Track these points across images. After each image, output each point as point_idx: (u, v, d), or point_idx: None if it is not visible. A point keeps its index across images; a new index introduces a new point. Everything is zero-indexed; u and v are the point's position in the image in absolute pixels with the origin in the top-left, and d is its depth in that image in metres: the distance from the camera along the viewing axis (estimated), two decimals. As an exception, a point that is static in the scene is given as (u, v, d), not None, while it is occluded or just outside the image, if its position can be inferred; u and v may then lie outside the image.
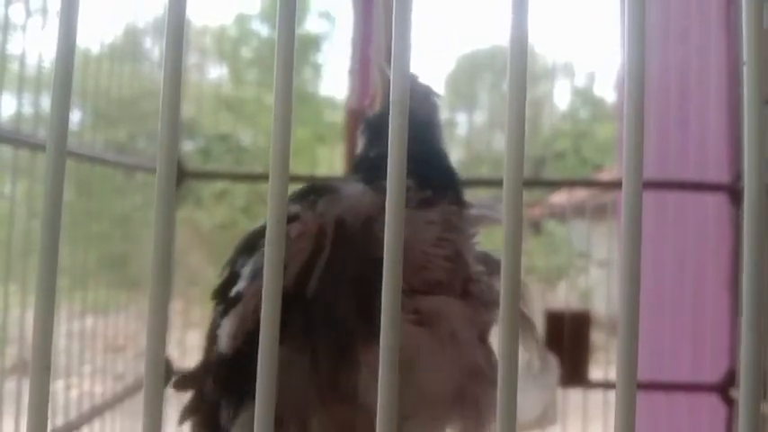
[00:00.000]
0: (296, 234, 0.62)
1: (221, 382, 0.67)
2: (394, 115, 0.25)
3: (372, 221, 0.65)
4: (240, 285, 0.64)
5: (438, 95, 0.78)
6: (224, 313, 0.65)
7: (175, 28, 0.27)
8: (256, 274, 0.62)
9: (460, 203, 0.71)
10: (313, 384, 0.63)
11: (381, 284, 0.59)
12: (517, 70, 0.27)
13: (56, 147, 0.28)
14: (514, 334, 0.29)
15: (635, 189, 0.27)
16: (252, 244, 0.67)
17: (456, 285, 0.67)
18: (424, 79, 0.78)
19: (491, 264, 0.71)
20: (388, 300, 0.27)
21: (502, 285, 0.30)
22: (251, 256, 0.65)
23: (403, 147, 0.25)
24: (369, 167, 0.71)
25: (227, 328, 0.64)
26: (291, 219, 0.61)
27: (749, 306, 0.28)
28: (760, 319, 0.27)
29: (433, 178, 0.70)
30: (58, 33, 0.29)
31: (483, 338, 0.68)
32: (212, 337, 0.67)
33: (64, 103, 0.28)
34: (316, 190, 0.67)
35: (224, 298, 0.67)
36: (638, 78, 0.28)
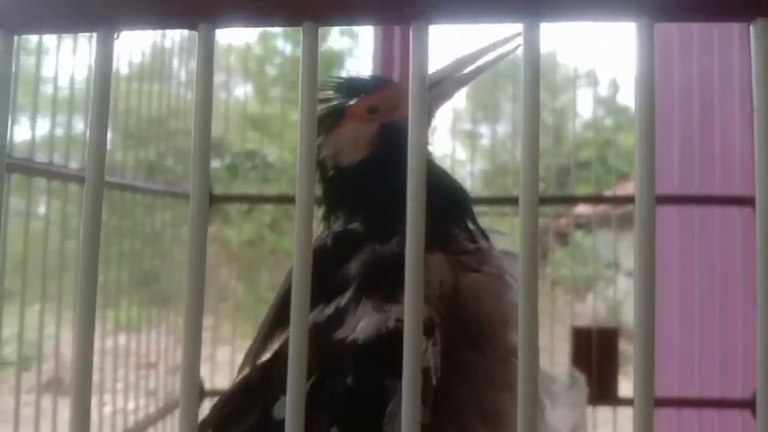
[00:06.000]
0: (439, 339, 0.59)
1: None
2: (412, 173, 0.25)
3: (454, 289, 0.62)
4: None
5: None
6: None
7: (205, 65, 0.28)
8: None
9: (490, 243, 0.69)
10: None
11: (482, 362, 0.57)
12: (530, 91, 0.28)
13: (94, 191, 0.29)
14: (535, 356, 0.30)
15: (648, 202, 0.27)
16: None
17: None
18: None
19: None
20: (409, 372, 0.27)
21: (520, 293, 0.30)
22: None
23: (422, 200, 0.25)
24: (381, 223, 0.66)
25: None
26: (430, 329, 0.58)
27: (764, 323, 0.28)
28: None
29: (471, 221, 0.69)
30: (94, 79, 0.30)
31: None
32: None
33: (100, 150, 0.29)
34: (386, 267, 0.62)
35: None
36: (647, 89, 0.28)
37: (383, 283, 0.61)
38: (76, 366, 0.34)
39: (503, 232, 0.73)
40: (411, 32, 0.26)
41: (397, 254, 0.61)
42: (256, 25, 0.26)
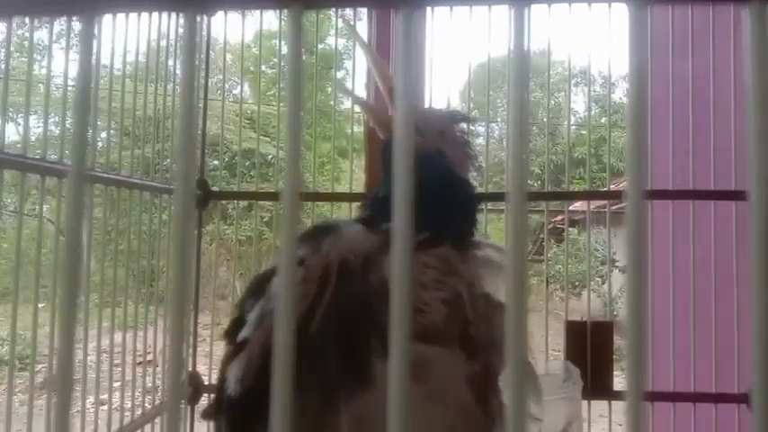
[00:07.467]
0: (300, 279, 0.63)
1: (234, 425, 0.67)
2: (398, 158, 0.25)
3: (370, 263, 0.65)
4: (246, 331, 0.65)
5: (458, 128, 0.79)
6: (232, 356, 0.66)
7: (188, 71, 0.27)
8: (262, 319, 0.63)
9: (465, 245, 0.71)
10: (298, 427, 0.62)
11: (371, 328, 0.60)
12: (519, 77, 0.27)
13: (77, 175, 0.29)
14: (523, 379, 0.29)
15: (638, 196, 0.27)
16: (259, 287, 0.68)
17: (454, 329, 0.66)
18: (438, 105, 0.80)
19: (492, 304, 0.70)
20: (397, 344, 0.27)
21: (507, 292, 0.30)
22: (257, 300, 0.66)
23: (408, 190, 0.25)
24: (377, 207, 0.72)
25: (234, 372, 0.64)
26: (297, 263, 0.63)
27: (758, 316, 0.28)
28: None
29: (435, 219, 0.69)
30: (78, 67, 0.30)
31: (473, 382, 0.66)
32: (224, 374, 0.68)
33: (82, 137, 0.29)
34: (319, 230, 0.70)
35: (233, 340, 0.68)
36: (640, 71, 0.27)
37: (314, 242, 0.70)
38: (60, 360, 0.33)
39: (499, 246, 0.74)
40: (398, 16, 0.26)
41: (332, 223, 0.74)
42: (243, 7, 0.26)
